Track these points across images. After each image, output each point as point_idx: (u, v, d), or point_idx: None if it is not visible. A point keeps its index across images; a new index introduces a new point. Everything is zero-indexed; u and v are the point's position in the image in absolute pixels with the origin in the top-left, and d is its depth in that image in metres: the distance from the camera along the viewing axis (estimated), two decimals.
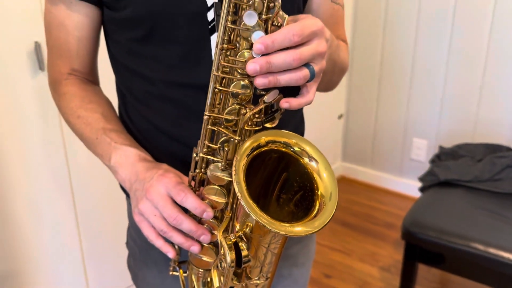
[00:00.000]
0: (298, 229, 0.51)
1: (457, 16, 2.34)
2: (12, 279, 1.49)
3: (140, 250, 0.86)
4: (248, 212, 0.50)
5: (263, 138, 0.54)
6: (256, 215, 0.50)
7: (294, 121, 0.84)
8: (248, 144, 0.54)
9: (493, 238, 1.51)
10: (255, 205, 0.51)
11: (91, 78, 0.82)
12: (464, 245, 1.50)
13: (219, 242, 0.58)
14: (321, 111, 2.74)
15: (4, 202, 1.41)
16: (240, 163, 0.52)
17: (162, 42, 0.68)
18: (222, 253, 0.57)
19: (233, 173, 0.51)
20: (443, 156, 1.97)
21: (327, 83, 0.82)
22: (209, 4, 0.65)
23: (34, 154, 1.45)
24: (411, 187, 2.66)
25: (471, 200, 1.71)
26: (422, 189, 1.89)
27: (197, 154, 0.62)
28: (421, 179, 1.89)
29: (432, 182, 1.82)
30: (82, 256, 1.67)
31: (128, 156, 0.69)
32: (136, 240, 0.87)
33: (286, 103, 0.56)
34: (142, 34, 0.68)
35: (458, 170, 1.79)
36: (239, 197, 0.51)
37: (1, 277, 1.46)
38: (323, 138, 2.84)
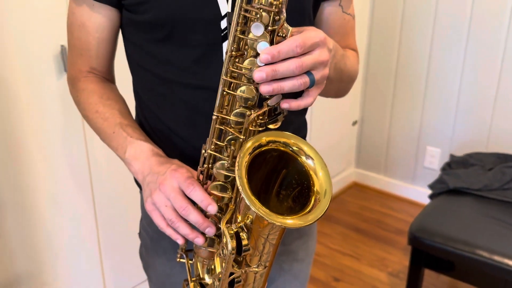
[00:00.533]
0: (290, 221, 0.56)
1: (472, 25, 2.36)
2: (34, 267, 1.57)
3: (151, 240, 0.92)
4: (248, 204, 0.55)
5: (264, 138, 0.60)
6: (255, 206, 0.55)
7: (297, 124, 0.89)
8: (250, 143, 0.59)
9: (499, 246, 1.53)
10: (255, 198, 0.56)
11: (108, 76, 0.87)
12: (469, 252, 1.53)
13: (222, 231, 0.64)
14: (336, 117, 2.78)
15: (27, 196, 1.49)
16: (243, 160, 0.58)
17: (178, 45, 0.73)
18: (224, 241, 0.63)
19: (236, 168, 0.57)
20: (453, 165, 1.99)
21: (337, 90, 0.86)
22: (222, 14, 0.71)
23: (56, 149, 1.53)
24: (423, 195, 2.67)
25: (479, 208, 1.73)
26: (431, 196, 1.91)
27: (205, 151, 0.68)
28: (431, 186, 1.92)
29: (441, 190, 1.85)
30: (99, 248, 1.75)
31: (143, 150, 0.75)
32: (148, 231, 0.93)
33: (286, 104, 0.61)
34: (160, 37, 0.74)
35: (468, 179, 1.81)
36: (240, 190, 0.56)
37: (25, 267, 1.54)
38: (337, 144, 2.87)
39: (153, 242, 0.91)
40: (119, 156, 0.79)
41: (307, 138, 2.80)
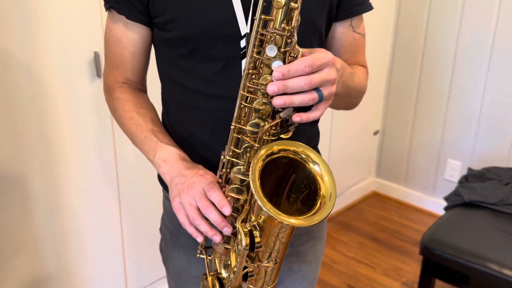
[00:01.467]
0: (297, 221, 0.63)
1: (496, 40, 2.37)
2: (61, 257, 1.67)
3: (171, 235, 1.00)
4: (260, 205, 0.62)
5: (276, 147, 0.67)
6: (266, 206, 0.62)
7: (309, 134, 0.96)
8: (263, 151, 0.66)
9: (510, 260, 1.54)
10: (266, 199, 0.63)
11: (141, 87, 0.97)
12: (479, 264, 1.55)
13: (237, 229, 0.71)
14: (357, 126, 2.82)
15: (59, 191, 1.60)
16: (256, 165, 0.65)
17: (202, 59, 0.82)
18: (239, 238, 0.70)
19: (250, 173, 0.64)
20: (470, 178, 2.01)
21: (346, 103, 0.93)
22: (242, 33, 0.79)
23: (87, 148, 1.63)
24: (442, 207, 2.68)
25: (493, 222, 1.75)
26: (446, 208, 1.94)
27: (224, 156, 0.76)
28: (447, 198, 1.94)
29: (456, 202, 1.87)
30: (122, 243, 1.84)
31: (171, 155, 0.83)
32: (168, 226, 1.01)
33: (298, 117, 0.69)
34: (185, 51, 0.82)
35: (483, 192, 1.83)
36: (253, 192, 0.63)
37: (52, 257, 1.64)
38: (358, 153, 2.91)
39: (173, 237, 0.99)
40: (149, 159, 0.87)
41: (327, 145, 2.84)
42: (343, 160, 2.77)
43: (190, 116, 0.88)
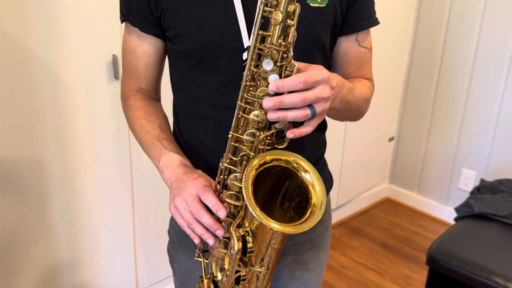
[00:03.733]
0: (285, 228, 0.65)
1: None
2: (75, 252, 1.73)
3: (177, 237, 1.04)
4: (250, 210, 0.65)
5: (268, 156, 0.70)
6: (255, 212, 0.65)
7: (315, 144, 0.98)
8: (256, 161, 0.69)
9: None
10: (257, 205, 0.66)
11: (154, 95, 1.01)
12: (485, 278, 1.54)
13: (230, 234, 0.74)
14: (372, 131, 2.81)
15: (75, 190, 1.66)
16: (250, 173, 0.68)
17: (208, 70, 0.86)
18: (232, 243, 0.73)
19: (243, 180, 0.67)
20: (482, 189, 1.99)
21: (347, 117, 0.95)
22: (245, 46, 0.82)
23: (104, 148, 1.68)
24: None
25: (503, 235, 1.73)
26: (456, 219, 1.93)
27: (222, 164, 0.79)
28: (457, 209, 1.93)
29: (466, 214, 1.86)
30: (134, 242, 1.89)
31: (173, 160, 0.87)
32: (175, 229, 1.04)
33: (291, 133, 0.71)
34: (193, 63, 0.86)
35: (494, 205, 1.82)
36: (245, 198, 0.66)
37: (66, 252, 1.70)
38: (372, 158, 2.90)
39: (179, 239, 1.03)
40: (154, 165, 0.91)
41: (340, 150, 2.84)
42: (356, 165, 2.77)
43: (197, 124, 0.92)
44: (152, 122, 0.93)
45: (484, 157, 2.56)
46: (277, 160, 0.71)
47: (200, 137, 0.92)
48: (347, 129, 2.59)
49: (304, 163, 0.71)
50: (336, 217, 2.77)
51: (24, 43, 1.41)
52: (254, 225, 0.72)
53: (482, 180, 2.09)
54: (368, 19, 0.92)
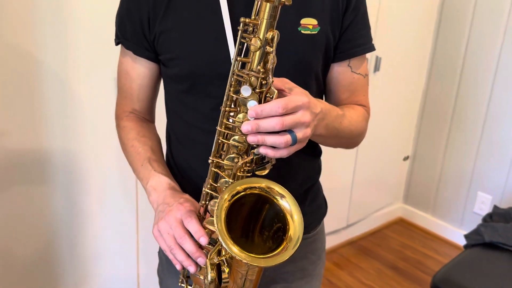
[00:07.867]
0: (245, 257, 0.62)
1: None
2: (77, 261, 1.74)
3: (166, 260, 1.02)
4: (221, 240, 0.63)
5: (239, 186, 0.68)
6: (226, 242, 0.63)
7: (308, 170, 0.95)
8: (226, 195, 0.66)
9: None
10: (229, 235, 0.64)
11: (147, 117, 1.00)
12: None
13: (205, 262, 0.72)
14: (386, 150, 2.76)
15: (79, 197, 1.67)
16: (223, 204, 0.66)
17: (200, 95, 0.85)
18: (205, 272, 0.71)
19: (215, 208, 0.65)
20: (495, 217, 1.92)
21: (338, 144, 0.92)
22: None
23: (108, 156, 1.69)
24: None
25: None
26: (465, 247, 1.86)
27: (204, 189, 0.77)
28: (467, 236, 1.86)
29: (476, 242, 1.79)
30: (138, 252, 1.89)
31: (161, 183, 0.86)
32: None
33: (264, 149, 0.68)
34: (185, 87, 0.86)
35: (505, 233, 1.74)
36: (217, 229, 0.64)
37: (69, 260, 1.71)
38: (386, 178, 2.84)
39: (168, 263, 1.01)
40: (143, 186, 0.90)
41: (351, 167, 2.77)
42: (369, 183, 2.72)
43: (188, 148, 0.91)
44: (144, 144, 0.93)
45: (501, 182, 2.48)
46: (250, 188, 0.68)
47: (190, 162, 0.91)
48: (360, 146, 2.53)
49: (278, 188, 0.69)
50: (345, 236, 2.72)
51: (34, 54, 1.44)
52: (229, 255, 0.70)
53: (495, 207, 2.02)
54: (361, 46, 0.89)
